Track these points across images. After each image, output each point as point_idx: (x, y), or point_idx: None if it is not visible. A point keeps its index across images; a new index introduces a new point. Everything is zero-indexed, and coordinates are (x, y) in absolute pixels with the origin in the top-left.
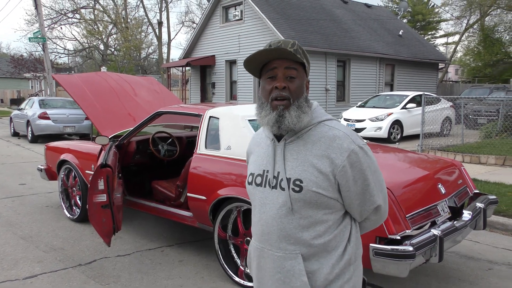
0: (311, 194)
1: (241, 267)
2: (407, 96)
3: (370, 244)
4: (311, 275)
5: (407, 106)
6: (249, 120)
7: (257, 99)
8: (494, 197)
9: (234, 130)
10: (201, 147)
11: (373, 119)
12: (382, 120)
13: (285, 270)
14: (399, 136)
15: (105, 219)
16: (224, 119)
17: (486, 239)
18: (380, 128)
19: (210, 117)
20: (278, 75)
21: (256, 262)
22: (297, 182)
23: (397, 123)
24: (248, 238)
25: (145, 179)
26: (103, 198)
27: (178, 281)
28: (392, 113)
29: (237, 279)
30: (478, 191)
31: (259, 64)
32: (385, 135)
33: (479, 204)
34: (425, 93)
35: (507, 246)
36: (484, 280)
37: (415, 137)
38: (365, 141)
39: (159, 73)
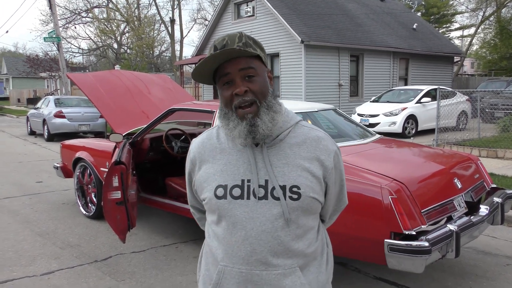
0: (308, 201)
1: None
2: (421, 90)
3: (385, 240)
4: (309, 286)
5: (421, 101)
6: None
7: (219, 110)
8: (511, 191)
9: None
10: None
11: (387, 114)
12: (397, 115)
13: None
14: (413, 131)
15: (120, 216)
16: None
17: (504, 234)
18: (394, 123)
19: None
20: (234, 79)
21: None
22: (294, 189)
23: (411, 118)
24: None
25: (159, 176)
26: (117, 195)
27: (193, 277)
28: (406, 108)
29: None
30: (495, 186)
31: (209, 71)
32: (400, 130)
33: (496, 199)
34: (440, 87)
35: None
36: (502, 276)
37: (430, 131)
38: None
39: (172, 70)
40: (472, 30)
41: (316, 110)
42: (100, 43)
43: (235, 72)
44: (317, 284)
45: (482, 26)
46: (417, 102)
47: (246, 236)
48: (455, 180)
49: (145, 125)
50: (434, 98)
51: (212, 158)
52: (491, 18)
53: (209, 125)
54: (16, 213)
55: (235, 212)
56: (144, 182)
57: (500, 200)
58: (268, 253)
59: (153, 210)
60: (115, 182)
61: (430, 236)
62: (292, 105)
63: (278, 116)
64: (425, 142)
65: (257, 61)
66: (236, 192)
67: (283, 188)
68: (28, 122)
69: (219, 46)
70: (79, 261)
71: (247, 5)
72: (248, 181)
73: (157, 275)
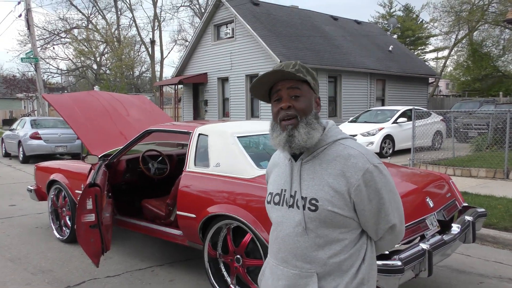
0: (326, 213)
1: (231, 285)
2: (398, 110)
3: None
4: None
5: (398, 121)
6: (239, 137)
7: (270, 123)
8: (483, 210)
9: (223, 147)
10: (190, 165)
11: (364, 134)
12: (374, 135)
13: None
14: (391, 151)
15: (94, 239)
16: (213, 136)
17: (477, 252)
18: (372, 143)
19: (199, 134)
20: (283, 96)
21: (270, 279)
22: (313, 201)
23: (388, 138)
24: (238, 256)
25: (136, 198)
26: (91, 217)
27: None
28: (383, 128)
29: None
30: (467, 204)
31: (265, 89)
32: (377, 150)
33: (467, 217)
34: (415, 107)
35: (498, 259)
36: None
37: (407, 151)
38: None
39: (152, 91)
40: (446, 52)
41: None
42: (79, 63)
43: (284, 90)
44: None
45: (455, 49)
46: (393, 122)
47: (277, 236)
48: (428, 199)
49: (121, 147)
50: (410, 118)
51: (273, 170)
52: (464, 41)
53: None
54: None
55: (273, 215)
56: (120, 204)
57: (472, 218)
58: (289, 254)
59: (130, 233)
60: (89, 204)
61: (403, 255)
62: (262, 126)
63: (314, 133)
64: (402, 162)
65: (305, 86)
66: (276, 199)
67: (304, 199)
68: (3, 144)
69: (276, 68)
70: (51, 287)
71: (227, 27)
72: (285, 190)
73: None
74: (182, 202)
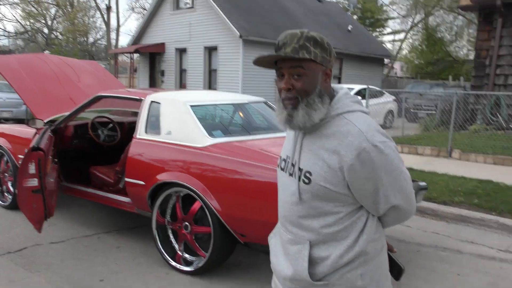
0: (318, 188)
1: (179, 252)
2: (352, 89)
3: None
4: (320, 261)
5: None
6: (192, 105)
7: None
8: (424, 183)
9: (175, 115)
10: (141, 132)
11: None
12: None
13: (292, 252)
14: None
15: (36, 204)
16: (165, 104)
17: (418, 224)
18: None
19: (152, 101)
20: (284, 75)
21: (275, 238)
22: (307, 174)
23: None
24: (187, 223)
25: (85, 165)
26: (34, 182)
27: (114, 267)
28: None
29: (174, 263)
30: None
31: (269, 63)
32: None
33: None
34: (370, 86)
35: (436, 230)
36: (412, 261)
37: None
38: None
39: (107, 59)
40: (402, 35)
41: (247, 102)
42: (29, 26)
43: (286, 69)
44: (327, 262)
45: (411, 32)
46: None
47: (279, 200)
48: None
49: (69, 112)
50: (364, 97)
51: (288, 135)
52: (420, 25)
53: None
54: None
55: (279, 179)
56: (68, 170)
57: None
58: (286, 220)
59: (76, 200)
60: (32, 169)
61: None
62: (223, 96)
63: (314, 114)
64: None
65: (311, 62)
66: (282, 164)
67: (300, 170)
68: None
69: (280, 43)
70: None
71: None
72: (289, 158)
73: (75, 266)
74: (131, 169)
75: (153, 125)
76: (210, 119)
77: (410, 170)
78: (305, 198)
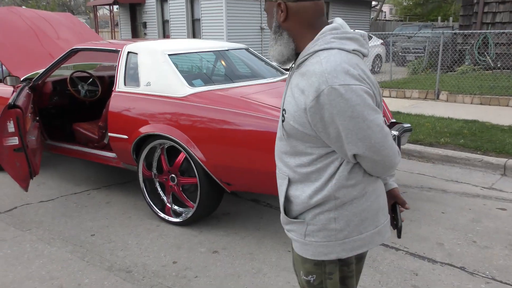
0: (289, 127)
1: (167, 204)
2: None
3: None
4: (293, 199)
5: None
6: (170, 54)
7: None
8: (408, 125)
9: (154, 65)
10: (120, 85)
11: None
12: None
13: (278, 186)
14: None
15: (19, 163)
16: (143, 54)
17: (404, 166)
18: None
19: (129, 52)
20: None
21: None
22: (283, 112)
23: None
24: (173, 175)
25: (67, 122)
26: (14, 141)
27: (104, 222)
28: None
29: (163, 215)
30: (394, 121)
31: None
32: None
33: (393, 132)
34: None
35: (422, 172)
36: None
37: None
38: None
39: (87, 13)
40: None
41: (227, 49)
42: None
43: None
44: (299, 201)
45: None
46: None
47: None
48: None
49: (46, 68)
50: None
51: None
52: None
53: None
54: None
55: None
56: (51, 129)
57: (397, 133)
58: (276, 154)
59: (65, 158)
60: (11, 127)
61: None
62: (203, 44)
63: (278, 47)
64: None
65: None
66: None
67: (282, 109)
68: None
69: None
70: None
71: None
72: None
73: (66, 223)
74: (113, 124)
75: (132, 77)
76: (189, 68)
77: (397, 113)
78: (285, 135)
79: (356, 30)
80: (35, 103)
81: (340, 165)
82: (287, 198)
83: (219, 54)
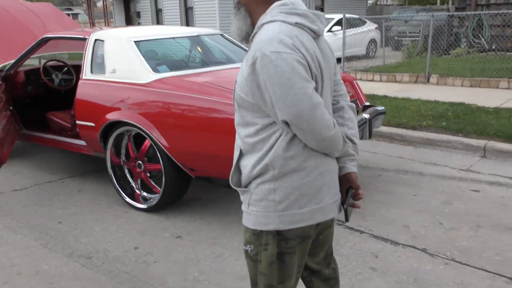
0: (237, 97)
1: (136, 190)
2: (332, 19)
3: None
4: (243, 169)
5: (332, 29)
6: (137, 41)
7: None
8: (382, 108)
9: (119, 52)
10: (86, 72)
11: None
12: None
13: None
14: None
15: None
16: (109, 41)
17: (384, 150)
18: None
19: (96, 40)
20: None
21: None
22: (235, 84)
23: None
24: (140, 162)
25: (43, 111)
26: None
27: (73, 210)
28: None
29: (130, 201)
30: (368, 104)
31: None
32: None
33: (365, 115)
34: (347, 15)
35: (402, 155)
36: (371, 186)
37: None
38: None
39: (82, 4)
40: None
41: (197, 34)
42: None
43: None
44: (245, 170)
45: None
46: (328, 31)
47: None
48: None
49: (16, 57)
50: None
51: None
52: None
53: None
54: None
55: None
56: (26, 118)
57: (368, 116)
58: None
59: (41, 147)
60: None
61: None
62: (173, 30)
63: (238, 23)
64: None
65: None
66: None
67: (235, 81)
68: None
69: None
70: None
71: None
72: None
73: (36, 211)
74: (80, 111)
75: (99, 64)
76: (156, 55)
77: (384, 97)
78: (236, 106)
79: (314, 11)
80: (7, 92)
81: (280, 136)
82: (238, 168)
83: (191, 40)
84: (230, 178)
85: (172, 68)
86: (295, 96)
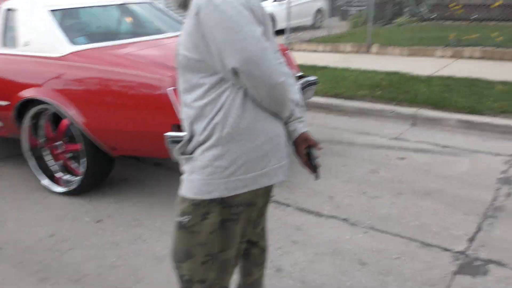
0: (182, 58)
1: (57, 173)
2: None
3: (165, 134)
4: (194, 136)
5: None
6: (52, 10)
7: None
8: (314, 78)
9: (33, 22)
10: None
11: None
12: None
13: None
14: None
15: None
16: (21, 10)
17: (320, 121)
18: None
19: (8, 9)
20: None
21: None
22: (177, 47)
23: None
24: (58, 143)
25: None
26: None
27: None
28: (264, 7)
29: (48, 185)
30: (301, 74)
31: None
32: None
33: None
34: None
35: (336, 126)
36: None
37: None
38: None
39: None
40: None
41: (123, 2)
42: None
43: None
44: (195, 137)
45: None
46: (274, 1)
47: None
48: None
49: None
50: None
51: None
52: None
53: None
54: None
55: None
56: None
57: (299, 86)
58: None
59: None
60: None
61: None
62: None
63: None
64: (279, 41)
65: None
66: None
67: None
68: None
69: None
70: None
71: None
72: None
73: None
74: None
75: (11, 36)
76: (76, 25)
77: (324, 68)
78: (181, 72)
79: None
80: None
81: (229, 94)
82: (189, 139)
83: (116, 9)
84: (178, 148)
85: (92, 39)
86: (244, 41)
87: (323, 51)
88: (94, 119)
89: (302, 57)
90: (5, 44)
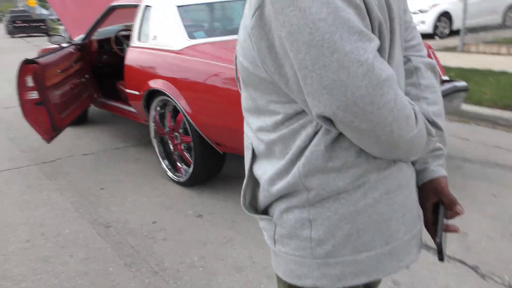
0: (241, 67)
1: (178, 163)
2: None
3: None
4: (259, 180)
5: None
6: (179, 6)
7: None
8: (463, 84)
9: (162, 18)
10: (134, 40)
11: (416, 12)
12: (426, 12)
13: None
14: (447, 31)
15: (41, 116)
16: (155, 7)
17: (480, 137)
18: (423, 22)
19: (146, 6)
20: None
21: None
22: (237, 45)
23: (445, 15)
24: (176, 133)
25: (116, 80)
26: (34, 95)
27: (121, 178)
28: (438, 4)
29: (169, 173)
30: (447, 79)
31: None
32: (430, 30)
33: None
34: None
35: (500, 144)
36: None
37: (471, 30)
38: None
39: None
40: None
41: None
42: None
43: None
44: (261, 182)
45: None
46: None
47: None
48: None
49: (89, 27)
50: None
51: None
52: None
53: None
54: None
55: None
56: (101, 86)
57: (442, 92)
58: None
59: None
60: (30, 82)
61: None
62: None
63: None
64: (452, 43)
65: None
66: None
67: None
68: None
69: None
70: (30, 163)
71: None
72: None
73: (89, 175)
74: (128, 79)
75: (145, 31)
76: (196, 20)
77: (501, 74)
78: (241, 83)
79: None
80: (85, 61)
81: (316, 133)
82: (251, 179)
83: (234, 5)
84: (242, 195)
85: (209, 34)
86: (342, 70)
87: (508, 54)
88: (200, 113)
89: (475, 60)
90: (139, 39)
